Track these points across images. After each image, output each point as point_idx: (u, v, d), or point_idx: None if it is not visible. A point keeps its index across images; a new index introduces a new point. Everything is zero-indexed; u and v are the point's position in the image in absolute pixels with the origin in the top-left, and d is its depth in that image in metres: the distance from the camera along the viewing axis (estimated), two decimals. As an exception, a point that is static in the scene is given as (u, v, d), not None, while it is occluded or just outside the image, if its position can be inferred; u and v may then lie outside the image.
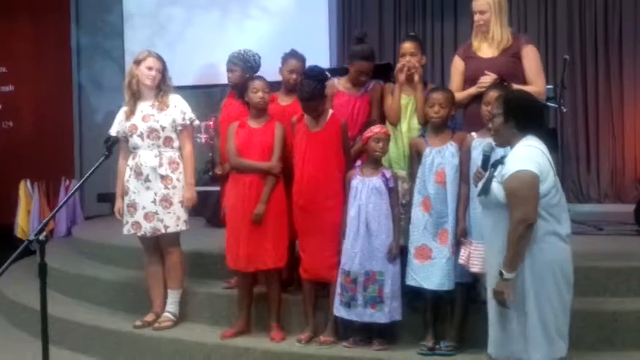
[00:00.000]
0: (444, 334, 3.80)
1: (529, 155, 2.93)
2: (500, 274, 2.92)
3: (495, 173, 3.04)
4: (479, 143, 3.62)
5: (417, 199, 3.79)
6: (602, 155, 7.35)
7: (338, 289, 3.84)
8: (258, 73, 4.43)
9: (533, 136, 3.00)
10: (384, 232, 3.79)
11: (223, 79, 4.87)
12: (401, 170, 3.98)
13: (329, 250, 3.89)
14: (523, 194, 2.87)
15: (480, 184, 3.11)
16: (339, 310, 3.86)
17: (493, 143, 3.18)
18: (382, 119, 4.07)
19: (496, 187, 2.99)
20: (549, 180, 2.92)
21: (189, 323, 4.40)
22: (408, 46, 4.03)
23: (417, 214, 3.78)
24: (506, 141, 3.08)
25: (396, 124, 4.02)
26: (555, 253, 2.94)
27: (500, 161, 3.05)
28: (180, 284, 4.40)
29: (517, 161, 2.93)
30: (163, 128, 4.25)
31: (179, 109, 4.32)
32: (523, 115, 3.01)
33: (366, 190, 3.80)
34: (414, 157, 3.88)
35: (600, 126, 7.37)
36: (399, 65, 4.03)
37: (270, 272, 4.09)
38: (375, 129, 3.83)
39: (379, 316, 3.78)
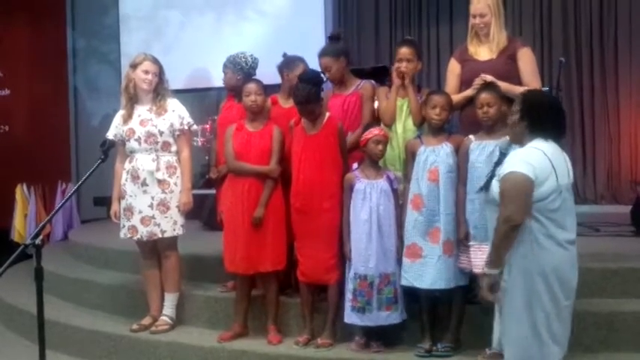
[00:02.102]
0: (441, 335, 3.80)
1: (525, 157, 2.93)
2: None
3: (497, 172, 3.05)
4: (476, 146, 3.65)
5: (408, 197, 3.80)
6: (598, 156, 7.36)
7: (349, 296, 3.80)
8: (256, 76, 4.44)
9: (543, 139, 2.98)
10: (393, 234, 3.80)
11: (219, 82, 4.88)
12: (396, 172, 3.98)
13: (327, 252, 3.89)
14: (511, 195, 2.88)
15: (483, 181, 3.14)
16: (350, 317, 3.82)
17: (508, 140, 3.19)
18: (375, 120, 4.08)
19: (495, 186, 3.01)
20: (548, 184, 2.90)
21: (187, 326, 4.40)
22: (404, 51, 4.03)
23: (408, 212, 3.78)
24: (519, 139, 3.07)
25: (390, 125, 4.03)
26: (549, 257, 2.91)
27: (501, 161, 3.07)
28: (177, 287, 4.40)
29: (512, 162, 2.93)
30: (161, 133, 4.25)
31: (177, 113, 4.31)
32: (533, 117, 2.99)
33: (375, 193, 3.79)
34: (409, 158, 3.87)
35: (596, 128, 7.37)
36: (394, 67, 4.05)
37: (269, 275, 4.09)
38: (375, 131, 3.82)
39: (395, 316, 3.79)
